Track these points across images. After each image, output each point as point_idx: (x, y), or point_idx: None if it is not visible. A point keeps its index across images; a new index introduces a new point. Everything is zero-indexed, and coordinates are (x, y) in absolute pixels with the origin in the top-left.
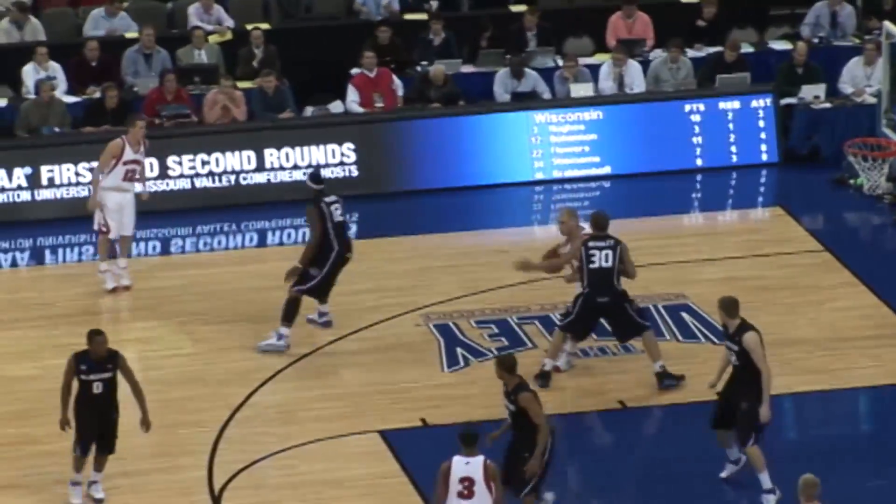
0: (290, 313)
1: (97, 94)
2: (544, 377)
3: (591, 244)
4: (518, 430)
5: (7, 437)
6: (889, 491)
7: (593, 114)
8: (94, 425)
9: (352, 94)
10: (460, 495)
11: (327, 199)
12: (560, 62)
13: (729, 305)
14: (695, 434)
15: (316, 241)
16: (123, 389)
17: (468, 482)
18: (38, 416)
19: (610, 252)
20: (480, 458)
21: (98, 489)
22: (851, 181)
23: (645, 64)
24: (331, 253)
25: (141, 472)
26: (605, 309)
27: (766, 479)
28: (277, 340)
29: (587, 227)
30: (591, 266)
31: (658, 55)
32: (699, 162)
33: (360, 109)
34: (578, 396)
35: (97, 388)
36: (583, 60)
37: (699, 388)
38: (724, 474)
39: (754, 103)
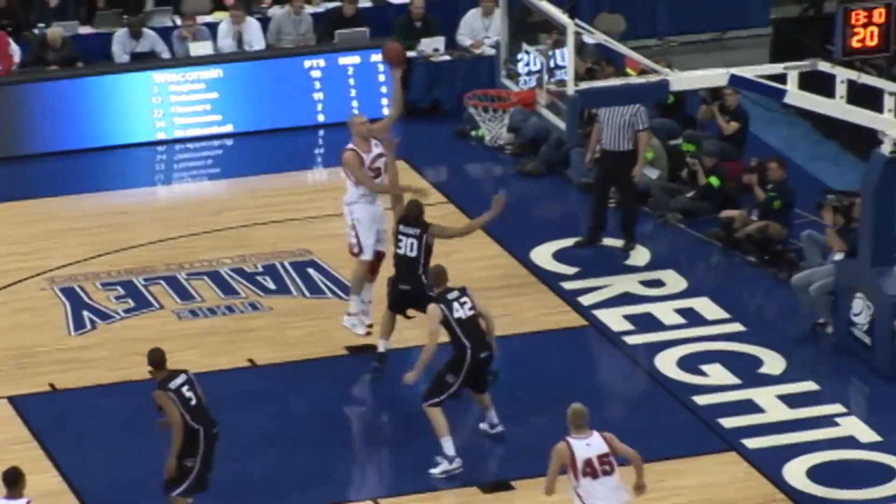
0: None
1: None
2: (380, 358)
3: (400, 229)
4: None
5: None
6: (517, 437)
7: (213, 72)
8: None
9: None
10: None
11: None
12: (178, 21)
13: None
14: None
15: None
16: None
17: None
18: None
19: (415, 241)
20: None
21: None
22: (473, 133)
23: (264, 21)
24: None
25: None
26: (407, 297)
27: (447, 445)
28: None
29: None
30: (398, 252)
31: (278, 11)
32: (321, 118)
33: None
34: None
35: None
36: (201, 19)
37: (332, 343)
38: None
39: (374, 58)
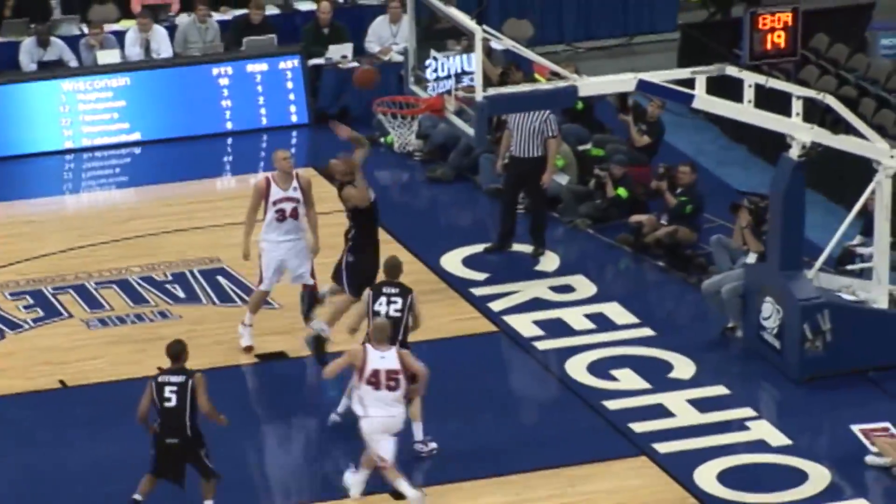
0: None
1: None
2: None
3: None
4: None
5: None
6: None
7: (121, 80)
8: None
9: None
10: None
11: None
12: (85, 30)
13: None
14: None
15: None
16: None
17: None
18: None
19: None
20: None
21: None
22: (382, 139)
23: (171, 29)
24: None
25: None
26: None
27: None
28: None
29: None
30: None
31: (184, 19)
32: (229, 125)
33: None
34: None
35: None
36: (108, 27)
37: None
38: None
39: (282, 65)
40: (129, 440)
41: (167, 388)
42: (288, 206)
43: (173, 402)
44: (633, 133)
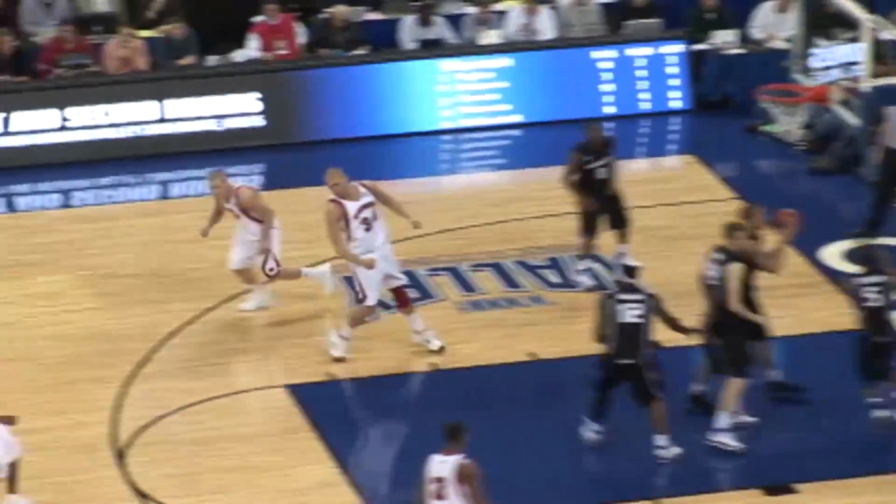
0: None
1: None
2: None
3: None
4: None
5: None
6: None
7: (503, 61)
8: None
9: (253, 42)
10: (435, 496)
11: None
12: (468, 9)
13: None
14: None
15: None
16: None
17: (440, 482)
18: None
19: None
20: (457, 458)
21: None
22: (766, 128)
23: (555, 10)
24: None
25: (42, 430)
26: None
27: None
28: None
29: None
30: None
31: (563, 1)
32: (609, 110)
33: (260, 55)
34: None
35: None
36: (492, 7)
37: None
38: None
39: (665, 49)
40: (500, 424)
41: None
42: (368, 213)
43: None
44: None
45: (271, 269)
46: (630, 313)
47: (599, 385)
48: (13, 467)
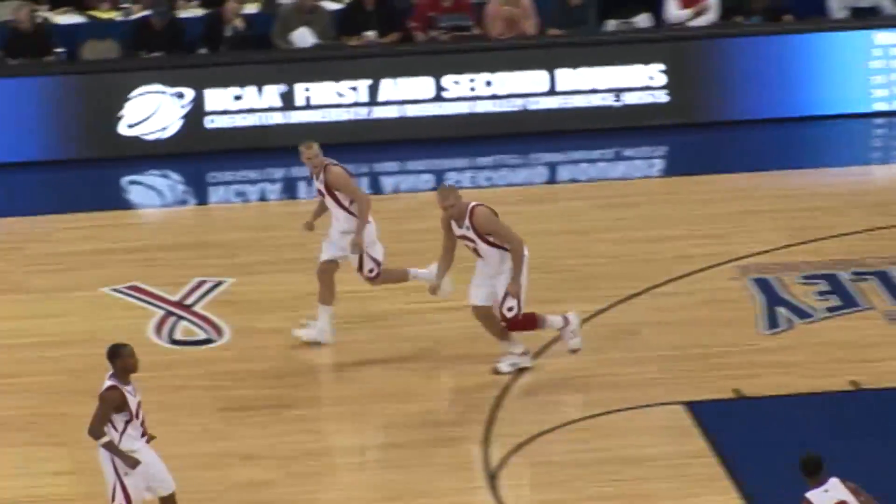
0: None
1: None
2: None
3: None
4: None
5: (260, 400)
6: None
7: None
8: None
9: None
10: None
11: None
12: None
13: None
14: None
15: None
16: None
17: None
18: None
19: None
20: (835, 480)
21: None
22: None
23: None
24: None
25: (407, 445)
26: None
27: None
28: None
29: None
30: None
31: None
32: None
33: (684, 14)
34: None
35: None
36: None
37: None
38: None
39: None
40: None
41: None
42: (468, 245)
43: None
44: None
45: (371, 271)
46: None
47: None
48: None
